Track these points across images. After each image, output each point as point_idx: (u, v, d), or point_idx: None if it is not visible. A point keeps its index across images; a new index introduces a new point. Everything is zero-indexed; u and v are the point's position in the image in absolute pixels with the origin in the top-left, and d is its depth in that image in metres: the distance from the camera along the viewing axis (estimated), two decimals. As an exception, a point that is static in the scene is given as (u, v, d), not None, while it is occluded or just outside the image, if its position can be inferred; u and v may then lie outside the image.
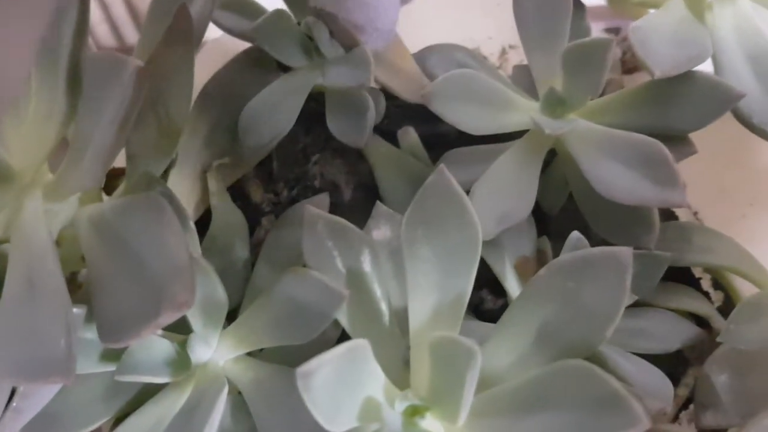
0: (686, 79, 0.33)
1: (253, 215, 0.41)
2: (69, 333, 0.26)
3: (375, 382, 0.28)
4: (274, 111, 0.36)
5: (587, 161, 0.33)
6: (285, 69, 0.40)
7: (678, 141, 0.34)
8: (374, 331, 0.31)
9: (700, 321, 0.36)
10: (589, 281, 0.29)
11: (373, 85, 0.39)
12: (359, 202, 0.43)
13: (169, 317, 0.26)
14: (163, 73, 0.31)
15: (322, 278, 0.29)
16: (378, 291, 0.31)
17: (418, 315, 0.29)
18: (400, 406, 0.28)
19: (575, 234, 0.31)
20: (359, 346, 0.26)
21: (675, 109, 0.34)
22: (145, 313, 0.27)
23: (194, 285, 0.27)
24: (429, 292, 0.29)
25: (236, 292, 0.36)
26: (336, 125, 0.38)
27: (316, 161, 0.43)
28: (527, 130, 0.38)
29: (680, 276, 0.38)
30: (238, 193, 0.41)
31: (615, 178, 0.32)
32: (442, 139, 0.44)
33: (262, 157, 0.39)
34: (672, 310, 0.36)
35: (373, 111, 0.37)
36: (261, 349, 0.35)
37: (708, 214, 0.38)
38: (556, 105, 0.35)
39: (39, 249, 0.30)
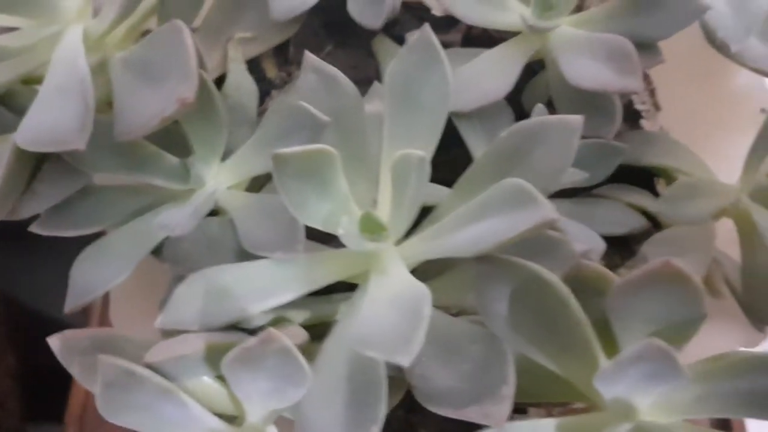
0: (660, -10, 0.37)
1: (265, 88, 0.45)
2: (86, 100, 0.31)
3: (339, 194, 0.31)
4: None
5: (564, 57, 0.37)
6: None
7: (648, 48, 0.38)
8: (353, 161, 0.34)
9: (651, 220, 0.40)
10: (541, 142, 0.33)
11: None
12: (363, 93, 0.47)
13: (176, 112, 0.31)
14: None
15: (306, 106, 0.33)
16: (359, 131, 0.35)
17: (390, 146, 0.34)
18: (355, 220, 0.31)
19: (539, 106, 0.35)
20: (328, 150, 0.30)
21: (648, 18, 0.37)
22: (157, 109, 0.31)
23: (197, 86, 0.31)
24: (403, 128, 0.33)
25: (240, 145, 0.41)
26: (355, 6, 0.42)
27: (328, 52, 0.47)
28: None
29: (641, 182, 0.41)
30: (254, 67, 0.46)
31: (584, 68, 0.36)
32: (446, 47, 0.48)
33: (285, 37, 0.44)
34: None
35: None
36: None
37: (676, 134, 0.42)
38: (544, 8, 0.39)
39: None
